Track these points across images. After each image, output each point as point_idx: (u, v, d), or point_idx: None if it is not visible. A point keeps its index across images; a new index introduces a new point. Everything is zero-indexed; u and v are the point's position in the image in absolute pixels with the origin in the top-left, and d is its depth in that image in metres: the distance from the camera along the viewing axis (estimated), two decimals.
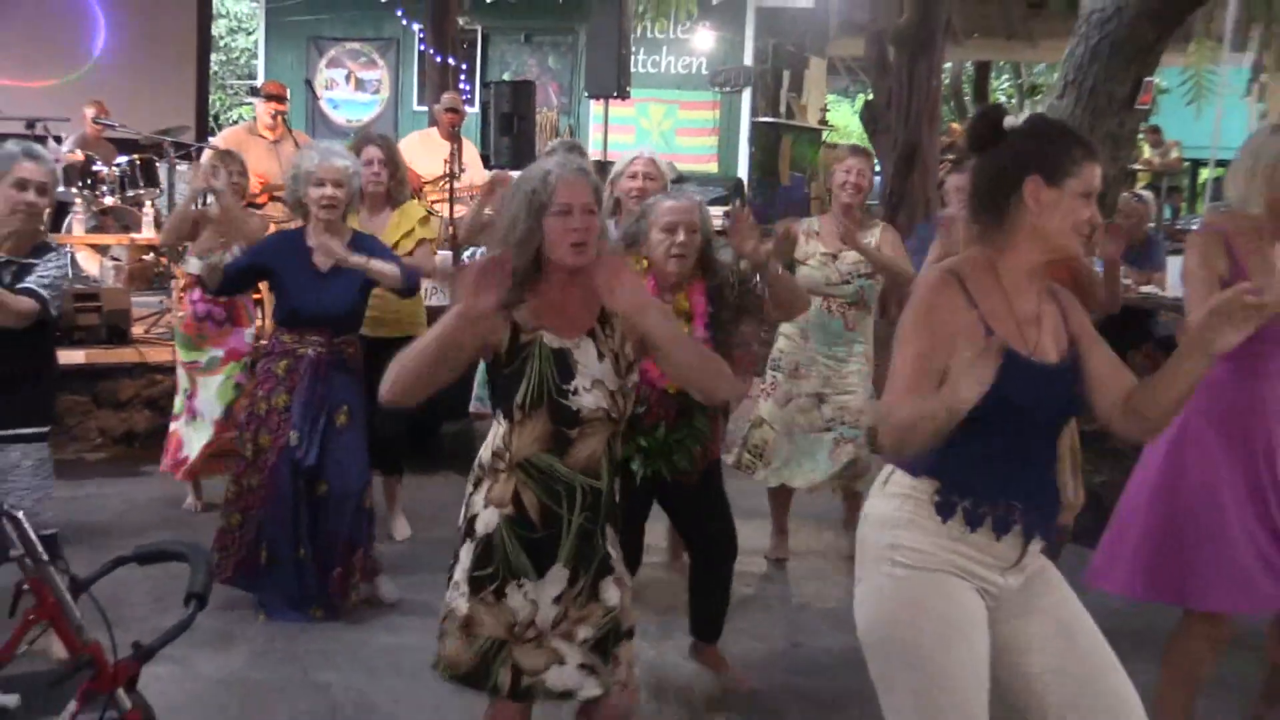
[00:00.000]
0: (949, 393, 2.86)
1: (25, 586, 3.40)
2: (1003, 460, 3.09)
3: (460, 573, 3.67)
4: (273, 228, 7.25)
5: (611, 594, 3.73)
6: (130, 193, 10.87)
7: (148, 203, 10.86)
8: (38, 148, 5.35)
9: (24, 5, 14.12)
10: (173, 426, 7.41)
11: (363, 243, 5.88)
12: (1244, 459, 4.25)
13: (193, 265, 6.75)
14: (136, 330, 8.86)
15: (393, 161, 6.86)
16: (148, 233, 10.45)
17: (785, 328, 6.72)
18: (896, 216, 7.95)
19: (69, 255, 6.65)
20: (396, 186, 6.91)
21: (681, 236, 4.84)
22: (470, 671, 3.62)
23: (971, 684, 3.02)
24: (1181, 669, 4.37)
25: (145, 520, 7.06)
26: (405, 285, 5.90)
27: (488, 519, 3.62)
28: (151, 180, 10.99)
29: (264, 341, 6.71)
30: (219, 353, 7.24)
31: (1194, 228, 7.17)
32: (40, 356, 5.18)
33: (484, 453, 3.71)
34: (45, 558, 3.34)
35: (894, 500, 3.15)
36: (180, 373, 7.39)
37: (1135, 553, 4.30)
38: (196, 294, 7.15)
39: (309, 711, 4.94)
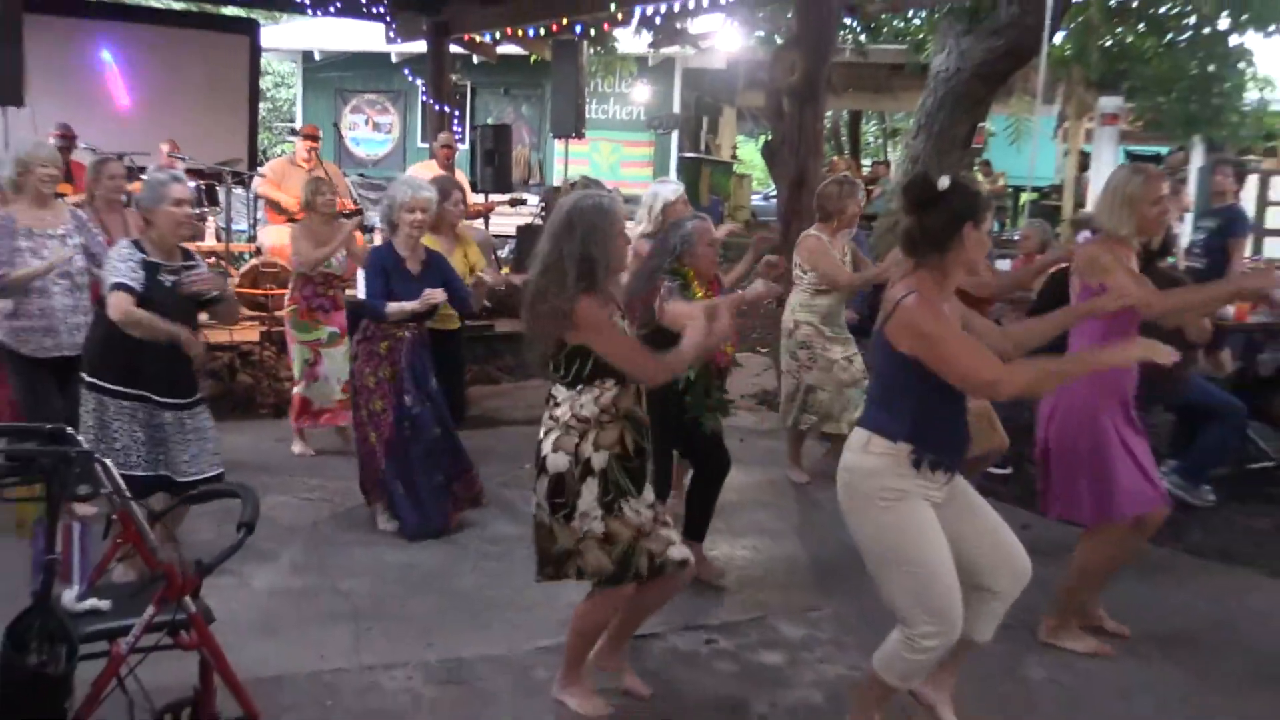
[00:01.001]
0: (1090, 357, 3.87)
1: (114, 517, 3.40)
2: (949, 424, 3.56)
3: (589, 504, 3.77)
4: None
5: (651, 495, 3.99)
6: (197, 210, 10.81)
7: (210, 218, 10.82)
8: (177, 171, 5.31)
9: (116, 61, 13.99)
10: (296, 391, 7.40)
11: (433, 258, 5.99)
12: (1117, 408, 4.48)
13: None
14: (201, 317, 8.75)
15: (465, 200, 6.87)
16: (210, 241, 10.39)
17: (802, 315, 6.82)
18: (790, 228, 7.97)
19: None
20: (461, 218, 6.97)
21: (715, 246, 5.37)
22: (616, 572, 3.82)
23: (947, 561, 3.48)
24: (1089, 567, 4.66)
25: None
26: (462, 308, 6.30)
27: (602, 459, 3.78)
28: (213, 200, 10.98)
29: None
30: (335, 329, 7.26)
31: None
32: None
33: (581, 411, 3.79)
34: (128, 495, 3.33)
35: (877, 458, 3.51)
36: (298, 349, 7.31)
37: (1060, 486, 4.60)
38: (309, 290, 7.18)
39: (335, 612, 4.92)
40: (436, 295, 5.73)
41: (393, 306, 5.71)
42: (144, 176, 5.06)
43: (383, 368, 5.86)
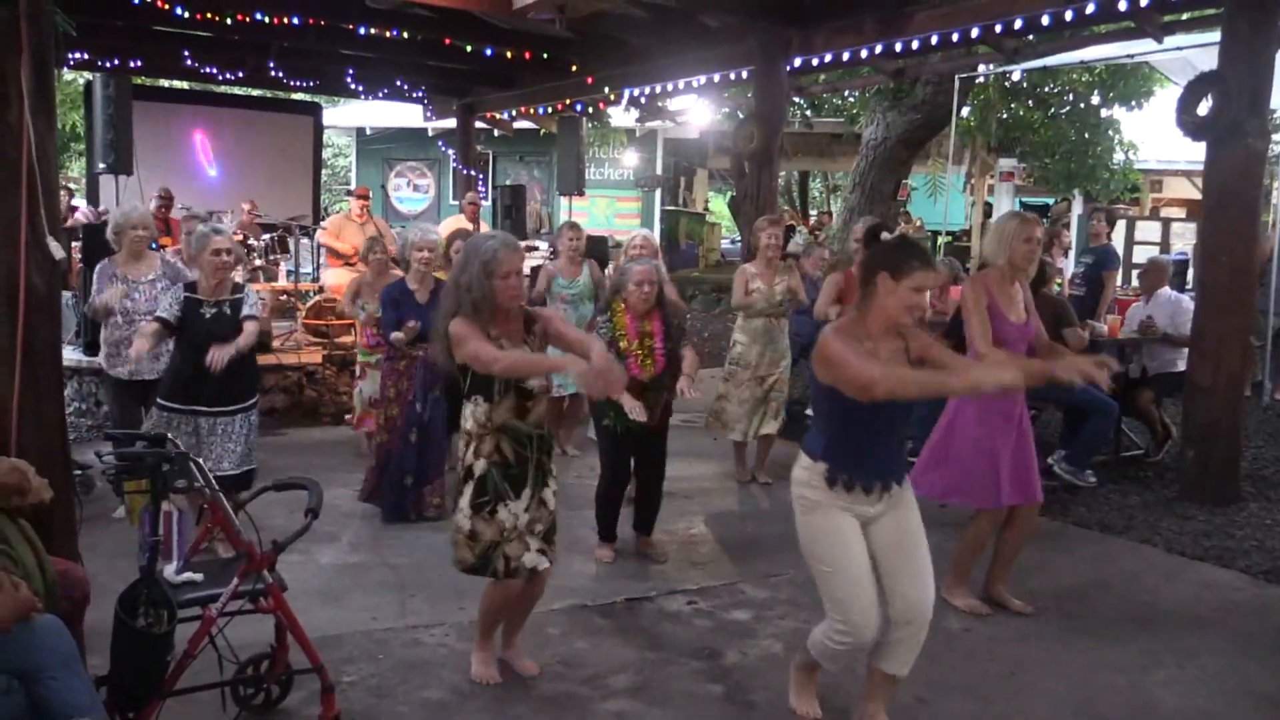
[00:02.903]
0: (967, 381, 3.11)
1: (205, 506, 3.39)
2: (863, 448, 3.22)
3: (464, 503, 3.63)
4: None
5: (551, 499, 3.77)
6: (271, 257, 10.83)
7: (281, 263, 10.79)
8: (220, 224, 5.42)
9: (206, 137, 14.00)
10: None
11: (440, 289, 5.83)
12: (1003, 412, 4.41)
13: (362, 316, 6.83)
14: (275, 343, 8.75)
15: None
16: (282, 281, 10.36)
17: (739, 335, 6.64)
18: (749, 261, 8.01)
19: None
20: None
21: (646, 288, 5.10)
22: (475, 564, 3.64)
23: (859, 567, 3.22)
24: (972, 541, 4.60)
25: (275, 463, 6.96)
26: None
27: (481, 466, 3.60)
28: (284, 249, 10.94)
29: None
30: (382, 356, 7.13)
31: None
32: (254, 354, 5.19)
33: (467, 424, 3.62)
34: (216, 488, 3.32)
35: (801, 470, 3.29)
36: (359, 368, 7.19)
37: (945, 474, 4.50)
38: (371, 328, 7.03)
39: (385, 581, 4.90)
40: (411, 327, 5.67)
41: (393, 335, 5.77)
42: (195, 229, 5.18)
43: (400, 381, 5.87)
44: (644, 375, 5.09)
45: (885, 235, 3.28)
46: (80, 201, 12.87)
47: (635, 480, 5.45)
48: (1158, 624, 4.55)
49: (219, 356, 4.74)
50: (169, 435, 3.50)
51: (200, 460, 3.33)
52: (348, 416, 7.67)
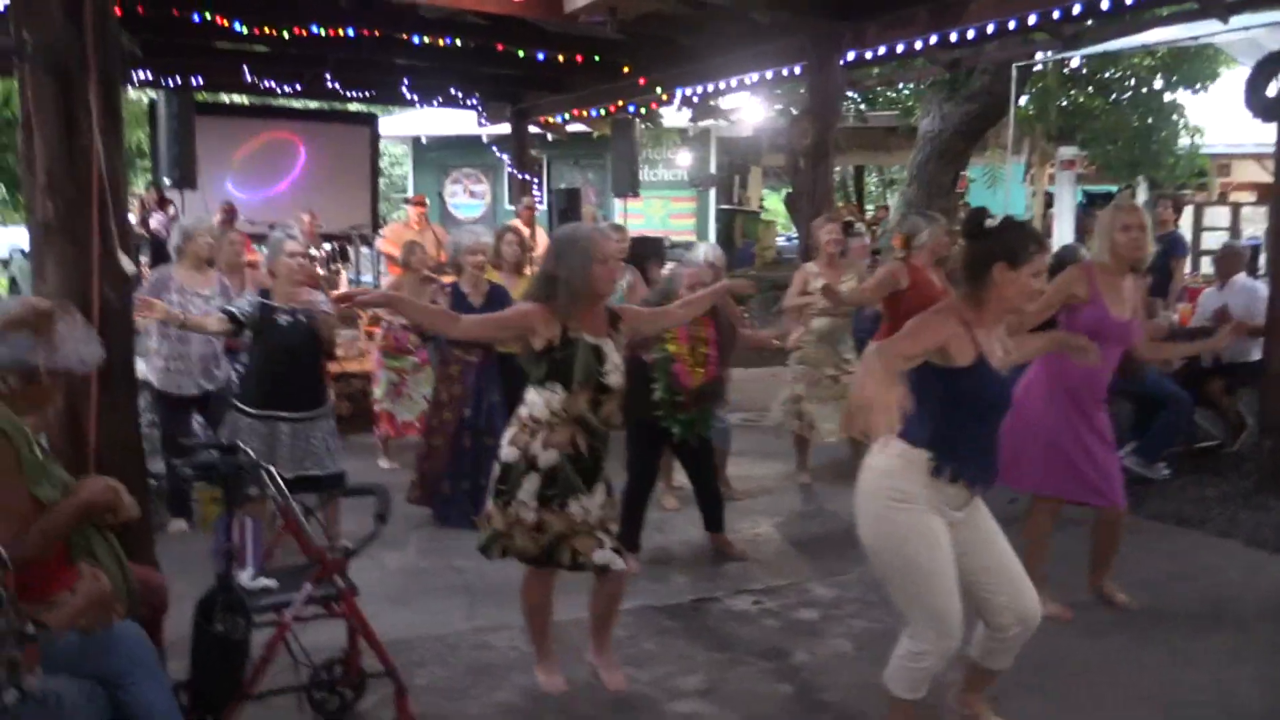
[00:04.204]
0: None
1: (276, 513, 3.44)
2: (974, 439, 3.04)
3: (528, 495, 3.54)
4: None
5: (613, 496, 3.75)
6: (333, 266, 10.99)
7: (342, 272, 10.94)
8: (293, 229, 5.44)
9: (268, 151, 14.25)
10: (379, 407, 7.34)
11: (495, 291, 5.88)
12: (1078, 406, 4.26)
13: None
14: (339, 351, 8.81)
15: (523, 243, 6.75)
16: (342, 288, 10.48)
17: (805, 336, 6.51)
18: (807, 260, 7.91)
19: None
20: (525, 257, 6.81)
21: (699, 290, 4.94)
22: (537, 554, 3.59)
23: (947, 573, 2.99)
24: (1034, 541, 4.35)
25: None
26: None
27: (550, 457, 3.53)
28: (345, 258, 11.10)
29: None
30: (417, 360, 7.19)
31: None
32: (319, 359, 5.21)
33: (535, 412, 3.56)
34: (287, 494, 3.36)
35: (893, 458, 3.02)
36: (385, 374, 7.23)
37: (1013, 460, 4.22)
38: (397, 329, 7.14)
39: (451, 584, 4.95)
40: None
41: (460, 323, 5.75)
42: (270, 236, 5.19)
43: (454, 386, 5.87)
44: (692, 383, 5.05)
45: (990, 221, 3.08)
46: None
47: (692, 483, 5.41)
48: (1241, 619, 4.43)
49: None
50: (240, 443, 3.55)
51: (273, 467, 3.37)
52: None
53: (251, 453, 3.46)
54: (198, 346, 5.67)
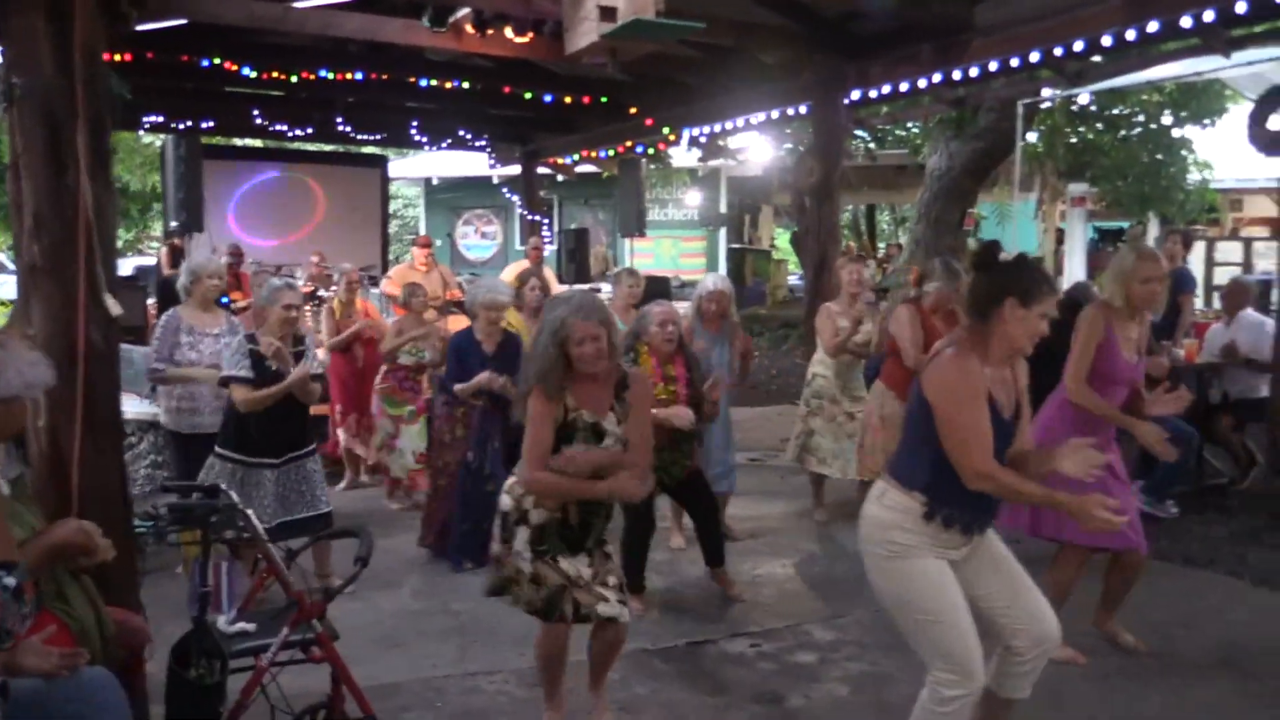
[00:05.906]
0: (1053, 496, 2.91)
1: (259, 556, 3.39)
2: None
3: (521, 545, 3.50)
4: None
5: (614, 554, 3.68)
6: (302, 312, 10.95)
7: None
8: (292, 280, 5.50)
9: (280, 194, 14.35)
10: (376, 458, 7.32)
11: (509, 340, 5.80)
12: (1097, 449, 4.13)
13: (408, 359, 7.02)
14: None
15: (545, 289, 6.69)
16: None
17: (819, 369, 6.54)
18: (814, 302, 7.86)
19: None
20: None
21: (670, 328, 5.07)
22: (542, 607, 3.50)
23: (958, 614, 2.93)
24: (1056, 585, 4.19)
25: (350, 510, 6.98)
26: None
27: (540, 515, 3.48)
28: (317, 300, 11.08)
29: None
30: (414, 408, 7.15)
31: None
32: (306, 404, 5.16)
33: None
34: (266, 538, 3.32)
35: (888, 511, 2.98)
36: (384, 421, 7.17)
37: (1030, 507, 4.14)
38: (401, 374, 7.10)
39: (446, 628, 4.87)
40: (484, 380, 5.57)
41: (457, 387, 5.70)
42: (267, 281, 5.20)
43: (458, 427, 5.85)
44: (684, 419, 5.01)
45: (1004, 255, 3.00)
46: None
47: (692, 519, 5.38)
48: (1250, 663, 4.31)
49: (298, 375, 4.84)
50: (223, 486, 3.52)
51: (250, 511, 3.33)
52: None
53: (234, 495, 3.42)
54: (207, 385, 5.67)
